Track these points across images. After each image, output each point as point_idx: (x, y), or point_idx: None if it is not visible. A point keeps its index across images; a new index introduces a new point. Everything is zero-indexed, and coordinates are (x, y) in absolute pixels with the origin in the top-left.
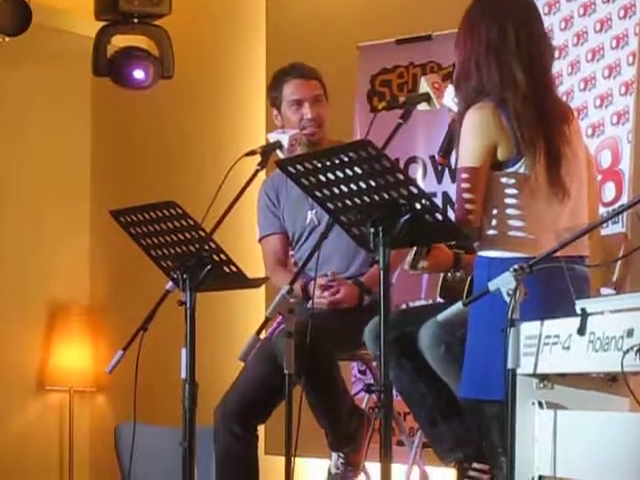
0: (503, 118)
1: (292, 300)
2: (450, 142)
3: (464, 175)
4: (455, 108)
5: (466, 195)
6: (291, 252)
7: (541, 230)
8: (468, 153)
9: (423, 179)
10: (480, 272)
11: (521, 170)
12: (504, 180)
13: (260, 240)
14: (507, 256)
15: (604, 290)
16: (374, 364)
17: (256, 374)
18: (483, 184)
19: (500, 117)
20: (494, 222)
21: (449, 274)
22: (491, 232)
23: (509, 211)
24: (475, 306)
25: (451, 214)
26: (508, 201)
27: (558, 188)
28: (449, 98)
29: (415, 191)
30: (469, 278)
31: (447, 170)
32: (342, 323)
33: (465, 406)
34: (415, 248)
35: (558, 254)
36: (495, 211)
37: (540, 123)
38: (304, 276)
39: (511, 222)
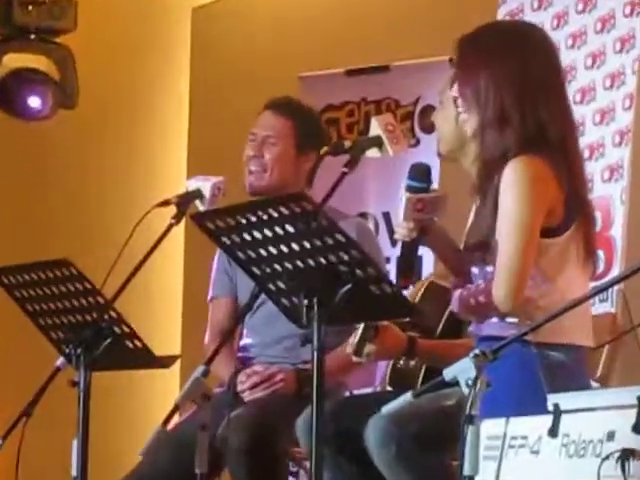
0: (559, 174)
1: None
2: (408, 261)
3: (518, 242)
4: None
5: (520, 274)
6: None
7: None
8: (526, 217)
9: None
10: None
11: (567, 238)
12: (547, 249)
13: (210, 301)
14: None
15: None
16: (307, 464)
17: (155, 463)
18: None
19: (555, 172)
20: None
21: (401, 361)
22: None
23: (545, 287)
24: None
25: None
26: (552, 275)
27: (591, 260)
28: (400, 198)
29: (358, 256)
30: (424, 366)
31: None
32: (277, 413)
33: None
34: (361, 329)
35: (530, 338)
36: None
37: (584, 184)
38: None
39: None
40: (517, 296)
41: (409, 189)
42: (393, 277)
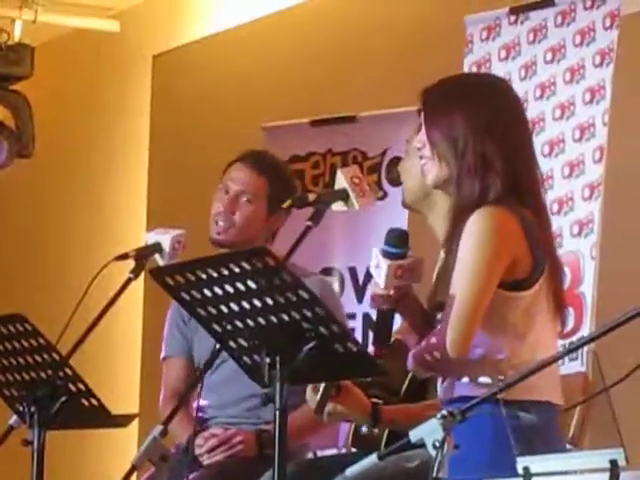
0: (526, 227)
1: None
2: (385, 330)
3: (471, 288)
4: (381, 279)
5: (469, 320)
6: None
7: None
8: (481, 264)
9: (340, 296)
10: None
11: (536, 292)
12: (514, 303)
13: (162, 361)
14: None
15: None
16: None
17: None
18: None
19: (522, 225)
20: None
21: (364, 428)
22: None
23: (514, 343)
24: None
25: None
26: (521, 330)
27: (560, 315)
28: (374, 266)
29: (322, 313)
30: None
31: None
32: (236, 475)
33: None
34: (322, 388)
35: (499, 397)
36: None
37: (552, 238)
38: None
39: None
40: (466, 341)
41: (386, 255)
42: (359, 334)
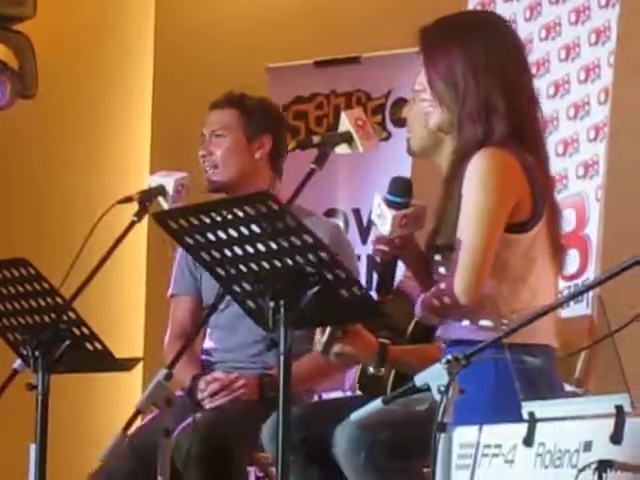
0: (527, 169)
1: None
2: (388, 278)
3: (479, 232)
4: (386, 229)
5: (479, 267)
6: None
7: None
8: (488, 208)
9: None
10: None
11: (535, 235)
12: (514, 246)
13: (170, 297)
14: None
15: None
16: (273, 470)
17: (115, 469)
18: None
19: (523, 167)
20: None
21: (370, 368)
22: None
23: (514, 286)
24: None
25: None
26: (521, 273)
27: (559, 258)
28: (376, 215)
29: (326, 257)
30: (393, 371)
31: None
32: (236, 418)
33: None
34: (329, 328)
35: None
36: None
37: (552, 180)
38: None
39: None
40: (477, 288)
41: (390, 205)
42: (363, 276)
